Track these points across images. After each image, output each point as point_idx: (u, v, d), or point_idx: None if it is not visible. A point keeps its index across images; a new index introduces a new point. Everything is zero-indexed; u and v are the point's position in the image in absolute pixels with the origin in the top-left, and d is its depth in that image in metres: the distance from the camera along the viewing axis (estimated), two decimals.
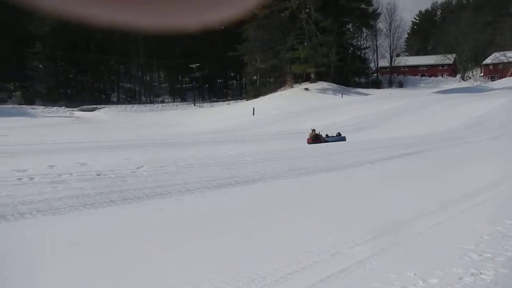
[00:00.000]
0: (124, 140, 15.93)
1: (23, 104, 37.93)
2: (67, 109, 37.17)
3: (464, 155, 11.95)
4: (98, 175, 6.60)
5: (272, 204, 6.07)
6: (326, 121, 26.16)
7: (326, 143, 15.65)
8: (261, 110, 34.81)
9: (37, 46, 41.73)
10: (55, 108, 36.86)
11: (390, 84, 58.54)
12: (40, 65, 43.10)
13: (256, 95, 46.21)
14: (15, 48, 39.44)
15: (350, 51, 57.94)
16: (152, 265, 3.52)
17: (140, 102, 48.62)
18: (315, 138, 16.25)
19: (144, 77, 54.10)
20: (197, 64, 46.57)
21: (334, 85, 46.79)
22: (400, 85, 57.53)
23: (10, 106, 36.36)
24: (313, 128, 17.20)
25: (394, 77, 61.30)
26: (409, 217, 5.06)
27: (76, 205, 5.16)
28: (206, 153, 10.76)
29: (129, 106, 42.64)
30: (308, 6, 47.94)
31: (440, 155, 11.88)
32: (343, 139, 17.00)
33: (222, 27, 56.44)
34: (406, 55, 73.09)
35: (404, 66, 63.70)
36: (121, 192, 5.81)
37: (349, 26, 58.19)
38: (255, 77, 52.49)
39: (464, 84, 55.95)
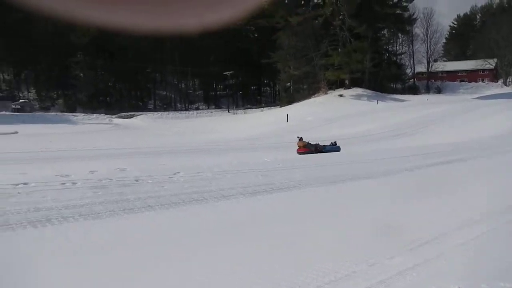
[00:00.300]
0: (160, 146, 16.29)
1: (65, 112, 39.60)
2: (106, 116, 38.49)
3: (509, 163, 11.44)
4: (137, 180, 6.76)
5: (308, 211, 6.01)
6: (360, 128, 25.78)
7: (313, 153, 14.00)
8: (295, 116, 34.70)
9: (79, 56, 43.47)
10: (95, 115, 38.22)
11: (428, 90, 57.02)
12: (81, 74, 44.85)
13: (289, 102, 46.16)
14: (58, 58, 41.35)
15: (385, 57, 56.98)
16: (185, 270, 3.56)
17: (175, 109, 49.62)
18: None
19: (180, 85, 55.22)
20: (231, 72, 47.10)
21: (369, 91, 46.08)
22: (438, 91, 55.96)
23: (53, 113, 38.00)
24: (300, 136, 15.15)
25: (431, 83, 59.69)
26: (451, 226, 4.88)
27: (115, 210, 5.29)
28: (241, 159, 10.82)
29: (165, 113, 43.60)
30: (342, 13, 47.59)
31: (482, 163, 11.42)
32: (338, 149, 15.14)
33: (256, 35, 56.98)
34: (444, 60, 71.08)
35: (442, 72, 61.90)
36: (158, 198, 5.92)
37: (384, 31, 57.29)
38: (289, 84, 52.45)
39: (506, 90, 53.70)
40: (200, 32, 0.37)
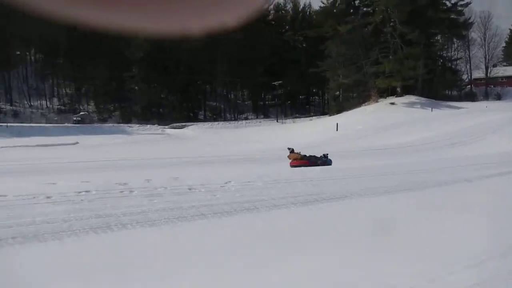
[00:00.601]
0: (211, 155, 16.62)
1: (121, 123, 41.59)
2: (159, 126, 39.99)
3: None
4: (190, 189, 6.93)
5: (360, 222, 5.87)
6: (414, 136, 24.94)
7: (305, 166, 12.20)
8: (345, 125, 34.18)
9: (134, 70, 45.57)
10: (148, 126, 39.80)
11: (486, 97, 54.17)
12: (136, 87, 46.94)
13: (339, 111, 45.59)
14: (115, 73, 43.71)
15: (439, 63, 54.85)
16: (240, 281, 3.58)
17: (225, 119, 50.52)
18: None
19: (229, 96, 56.25)
20: (280, 82, 47.33)
21: (423, 98, 44.52)
22: (498, 97, 52.97)
23: (110, 124, 40.02)
24: (291, 148, 13.68)
25: (490, 89, 56.67)
26: None
27: (170, 218, 5.44)
28: (291, 168, 10.80)
29: (215, 123, 44.52)
30: (392, 20, 46.53)
31: None
32: (330, 162, 13.39)
33: (304, 45, 56.97)
34: (504, 65, 67.21)
35: (502, 77, 58.57)
36: (211, 206, 6.03)
37: (438, 37, 55.20)
38: (338, 92, 51.85)
39: None
40: (205, 34, 0.35)
